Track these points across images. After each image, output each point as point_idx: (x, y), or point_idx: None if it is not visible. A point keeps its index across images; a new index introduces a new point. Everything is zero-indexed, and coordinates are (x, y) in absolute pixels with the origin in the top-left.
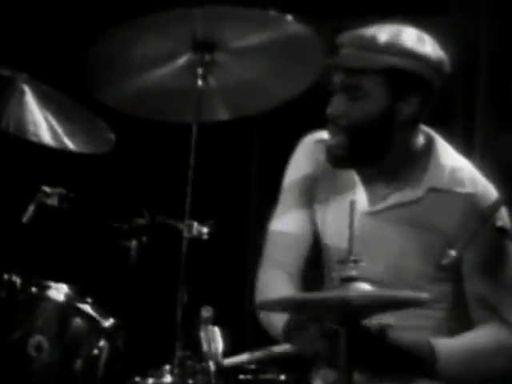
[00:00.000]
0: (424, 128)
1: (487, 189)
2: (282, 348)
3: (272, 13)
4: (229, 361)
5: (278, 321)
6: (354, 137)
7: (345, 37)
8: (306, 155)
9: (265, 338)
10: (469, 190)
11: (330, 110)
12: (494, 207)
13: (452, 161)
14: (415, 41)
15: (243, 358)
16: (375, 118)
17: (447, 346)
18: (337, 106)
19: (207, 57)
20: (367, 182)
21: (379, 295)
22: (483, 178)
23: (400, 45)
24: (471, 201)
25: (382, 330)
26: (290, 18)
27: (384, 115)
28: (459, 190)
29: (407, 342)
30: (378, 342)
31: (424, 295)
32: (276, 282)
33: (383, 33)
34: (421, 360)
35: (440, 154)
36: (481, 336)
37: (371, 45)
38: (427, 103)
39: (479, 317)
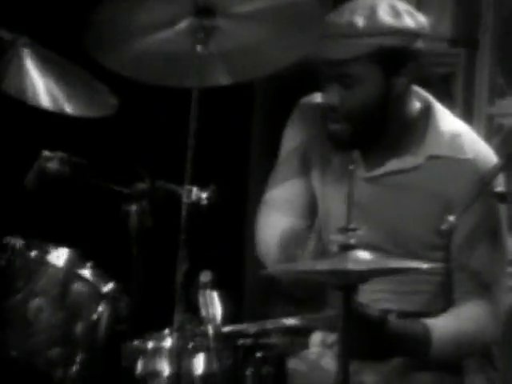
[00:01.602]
0: (420, 92)
1: (487, 154)
2: (292, 321)
3: None
4: (233, 328)
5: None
6: (355, 122)
7: (322, 27)
8: (302, 120)
9: (263, 304)
10: (469, 156)
11: (326, 101)
12: (494, 173)
13: (451, 126)
14: (391, 15)
15: (251, 328)
16: (372, 100)
17: (439, 327)
18: (332, 96)
19: (208, 22)
20: (365, 147)
21: (377, 264)
22: (483, 143)
23: (378, 25)
24: (471, 167)
25: (382, 319)
26: None
27: (380, 95)
28: (459, 156)
29: (404, 326)
30: (378, 331)
31: (422, 264)
32: (279, 220)
33: (358, 16)
34: (417, 343)
35: (439, 119)
36: (466, 317)
37: (350, 32)
38: (419, 68)
39: (462, 286)
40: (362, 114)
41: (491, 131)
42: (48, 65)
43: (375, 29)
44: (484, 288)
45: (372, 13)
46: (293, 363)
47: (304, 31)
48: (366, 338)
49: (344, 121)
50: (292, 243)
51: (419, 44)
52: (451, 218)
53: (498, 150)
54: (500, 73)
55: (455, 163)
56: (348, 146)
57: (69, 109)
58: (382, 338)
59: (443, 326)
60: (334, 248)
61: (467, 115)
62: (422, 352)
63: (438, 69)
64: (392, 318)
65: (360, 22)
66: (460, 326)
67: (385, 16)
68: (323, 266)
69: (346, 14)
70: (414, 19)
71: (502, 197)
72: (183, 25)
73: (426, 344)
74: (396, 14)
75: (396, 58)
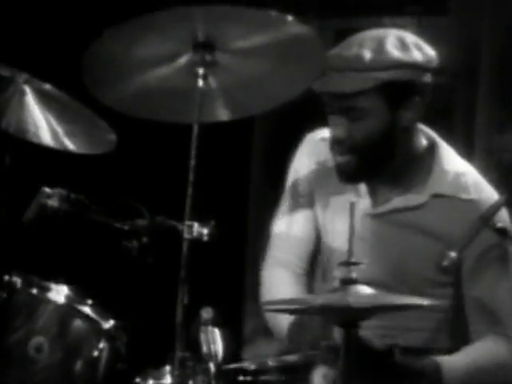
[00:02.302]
0: (425, 129)
1: (491, 194)
2: (293, 358)
3: (273, 13)
4: (234, 365)
5: (283, 321)
6: (361, 155)
7: (329, 60)
8: (308, 154)
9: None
10: (473, 196)
11: (332, 134)
12: (495, 208)
13: (455, 165)
14: (399, 48)
15: (251, 365)
16: (378, 133)
17: (451, 364)
18: (338, 129)
19: (208, 57)
20: (370, 183)
21: (378, 300)
22: (486, 183)
23: (386, 58)
24: (475, 207)
25: (389, 352)
26: (290, 18)
27: (386, 128)
28: (463, 196)
29: (412, 361)
30: (386, 362)
31: (424, 301)
32: (281, 281)
33: (366, 49)
34: (427, 379)
35: (443, 157)
36: (481, 353)
37: (357, 65)
38: (425, 102)
39: (476, 324)
40: (367, 147)
41: (491, 166)
42: (48, 101)
43: (382, 63)
44: (497, 323)
45: (380, 46)
46: None
47: (304, 66)
48: (372, 371)
49: (349, 153)
50: (297, 333)
51: (427, 78)
52: (452, 254)
53: (498, 185)
54: (499, 106)
55: (459, 203)
56: (354, 179)
57: (69, 145)
58: (388, 371)
59: (456, 362)
60: (336, 282)
61: (467, 150)
62: None
63: (437, 103)
64: (397, 352)
65: (367, 55)
66: (475, 362)
67: (392, 49)
68: (323, 301)
69: (354, 46)
70: (422, 53)
71: (503, 232)
72: (183, 60)
73: (437, 380)
74: (404, 47)
75: (403, 91)
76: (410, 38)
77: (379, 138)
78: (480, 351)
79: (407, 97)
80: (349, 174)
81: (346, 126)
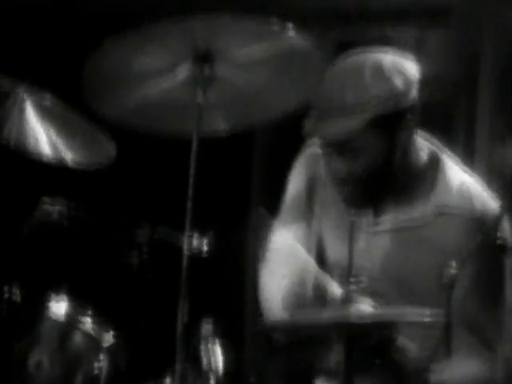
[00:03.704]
0: (427, 140)
1: (494, 207)
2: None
3: (273, 24)
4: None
5: (276, 291)
6: (364, 184)
7: (315, 104)
8: (307, 168)
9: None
10: (477, 208)
11: (332, 173)
12: (495, 222)
13: (459, 176)
14: (378, 81)
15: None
16: (378, 162)
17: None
18: (338, 168)
19: (207, 69)
20: (373, 198)
21: (380, 316)
22: (489, 195)
23: (367, 96)
24: (479, 221)
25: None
26: (290, 29)
27: (385, 154)
28: (468, 209)
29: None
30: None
31: (425, 314)
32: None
33: (347, 89)
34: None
35: (447, 169)
36: (470, 370)
37: (342, 108)
38: (416, 115)
39: (463, 340)
40: (369, 177)
41: (492, 178)
42: (48, 113)
43: (364, 100)
44: (484, 343)
45: (360, 84)
46: None
47: (304, 78)
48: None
49: (352, 185)
50: (295, 305)
51: (412, 95)
52: (452, 271)
53: (499, 197)
54: (500, 117)
55: (464, 219)
56: (360, 206)
57: (69, 158)
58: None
59: (447, 374)
60: (337, 298)
61: (467, 160)
62: None
63: (438, 113)
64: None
65: (348, 98)
66: (465, 375)
67: (373, 85)
68: (325, 318)
69: (335, 89)
70: (402, 77)
71: (502, 247)
72: (182, 72)
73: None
74: (383, 78)
75: (392, 119)
76: (388, 62)
77: (379, 165)
78: (465, 370)
79: (398, 122)
80: (355, 204)
81: (344, 164)
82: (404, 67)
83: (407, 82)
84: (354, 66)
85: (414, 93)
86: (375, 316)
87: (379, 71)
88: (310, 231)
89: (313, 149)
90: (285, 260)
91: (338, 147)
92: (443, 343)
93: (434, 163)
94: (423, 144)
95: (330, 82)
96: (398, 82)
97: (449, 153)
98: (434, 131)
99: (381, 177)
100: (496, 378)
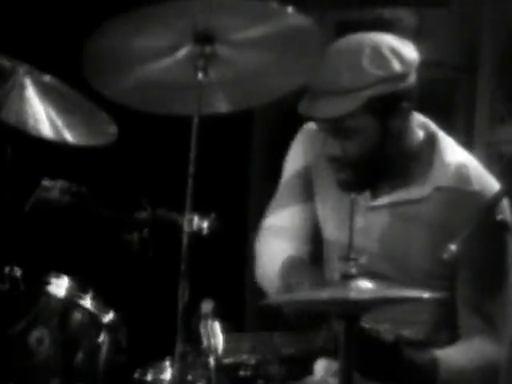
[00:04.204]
0: (423, 121)
1: (493, 186)
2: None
3: (273, 4)
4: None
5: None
6: (359, 168)
7: (310, 84)
8: (305, 145)
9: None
10: (475, 187)
11: (327, 152)
12: (495, 201)
13: (456, 157)
14: (376, 62)
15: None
16: (372, 146)
17: (447, 359)
18: (332, 148)
19: (207, 49)
20: (369, 181)
21: (379, 293)
22: (488, 175)
23: (363, 77)
24: (477, 199)
25: (397, 344)
26: (290, 9)
27: (378, 139)
28: (466, 187)
29: (417, 356)
30: (392, 355)
31: (424, 293)
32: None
33: (343, 70)
34: (424, 373)
35: (444, 149)
36: (473, 350)
37: (337, 89)
38: (413, 100)
39: (466, 319)
40: (363, 161)
41: (492, 158)
42: (48, 93)
43: (361, 83)
44: (489, 322)
45: (356, 64)
46: None
47: (304, 58)
48: (377, 363)
49: (347, 169)
50: (292, 272)
51: (409, 81)
52: (452, 247)
53: (499, 178)
54: (500, 99)
55: (461, 194)
56: (356, 190)
57: (69, 138)
58: (393, 364)
59: (451, 358)
60: (336, 276)
61: (467, 142)
62: (429, 382)
63: (438, 96)
64: (403, 345)
65: (345, 77)
66: (467, 359)
67: (369, 66)
68: (324, 295)
69: (332, 68)
70: (400, 60)
71: (503, 225)
72: (183, 52)
73: (433, 375)
74: (381, 59)
75: (388, 103)
76: (386, 44)
77: (374, 149)
78: (472, 349)
79: (394, 106)
80: (351, 187)
81: (339, 144)
82: (403, 51)
83: (405, 65)
84: (351, 47)
85: (412, 78)
86: (375, 292)
87: (377, 53)
88: (308, 211)
89: (311, 125)
90: (281, 237)
91: (333, 127)
92: (447, 325)
93: (431, 144)
94: (420, 126)
95: (327, 63)
96: (396, 65)
97: (446, 134)
98: (434, 114)
99: (376, 160)
100: (501, 361)
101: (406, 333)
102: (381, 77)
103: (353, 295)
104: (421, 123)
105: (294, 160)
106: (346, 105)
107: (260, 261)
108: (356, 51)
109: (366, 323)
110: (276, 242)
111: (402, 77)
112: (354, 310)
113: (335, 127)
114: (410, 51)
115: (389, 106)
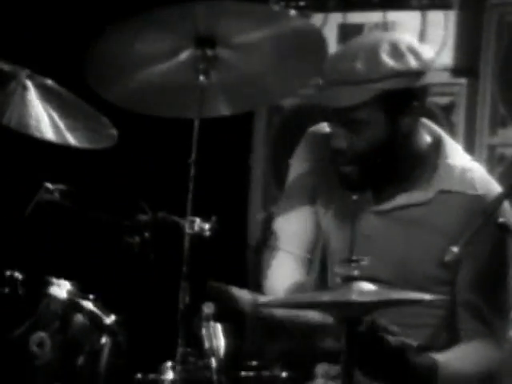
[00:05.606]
0: (429, 125)
1: (497, 190)
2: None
3: (275, 7)
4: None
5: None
6: (364, 164)
7: (323, 73)
8: (310, 149)
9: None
10: (480, 192)
11: (334, 145)
12: (496, 203)
13: (461, 161)
14: (393, 56)
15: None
16: (379, 142)
17: (446, 364)
18: (339, 140)
19: (209, 52)
20: (373, 181)
21: (380, 296)
22: (492, 179)
23: (380, 69)
24: (481, 203)
25: (403, 348)
26: (293, 12)
27: (387, 135)
28: (470, 192)
29: (416, 360)
30: (398, 359)
31: (425, 296)
32: (285, 269)
33: (359, 60)
34: (423, 377)
35: (448, 153)
36: (473, 353)
37: (352, 78)
38: (424, 102)
39: (465, 322)
40: (369, 156)
41: (493, 161)
42: (49, 97)
43: (377, 74)
44: (489, 326)
45: (373, 56)
46: None
47: (307, 61)
48: (382, 366)
49: (352, 163)
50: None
51: (424, 81)
52: (455, 250)
53: (500, 181)
54: (501, 102)
55: (466, 199)
56: (358, 188)
57: (70, 140)
58: (398, 368)
59: (451, 362)
60: (338, 279)
61: (469, 145)
62: None
63: (440, 99)
64: (409, 349)
65: (361, 67)
66: (466, 364)
67: (386, 59)
68: (326, 297)
69: (348, 58)
70: (417, 57)
71: (504, 228)
72: (184, 56)
73: (433, 378)
74: (398, 54)
75: (400, 99)
76: (404, 42)
77: (381, 146)
78: (470, 354)
79: (405, 104)
80: (353, 184)
81: (346, 137)
82: (420, 49)
83: (421, 63)
84: (370, 41)
85: (427, 78)
86: (377, 294)
87: (395, 47)
88: (312, 217)
89: (315, 129)
90: (289, 252)
91: (343, 119)
92: (447, 328)
93: (436, 148)
94: (426, 129)
95: (342, 54)
96: (412, 61)
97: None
98: (435, 114)
99: (381, 159)
100: (501, 365)
101: (407, 336)
102: (396, 70)
103: (354, 297)
104: (428, 127)
105: (298, 164)
106: (360, 95)
107: (269, 273)
108: (374, 45)
109: (381, 323)
110: (285, 263)
111: (417, 74)
112: (355, 312)
113: (346, 119)
114: (427, 51)
115: (401, 102)
